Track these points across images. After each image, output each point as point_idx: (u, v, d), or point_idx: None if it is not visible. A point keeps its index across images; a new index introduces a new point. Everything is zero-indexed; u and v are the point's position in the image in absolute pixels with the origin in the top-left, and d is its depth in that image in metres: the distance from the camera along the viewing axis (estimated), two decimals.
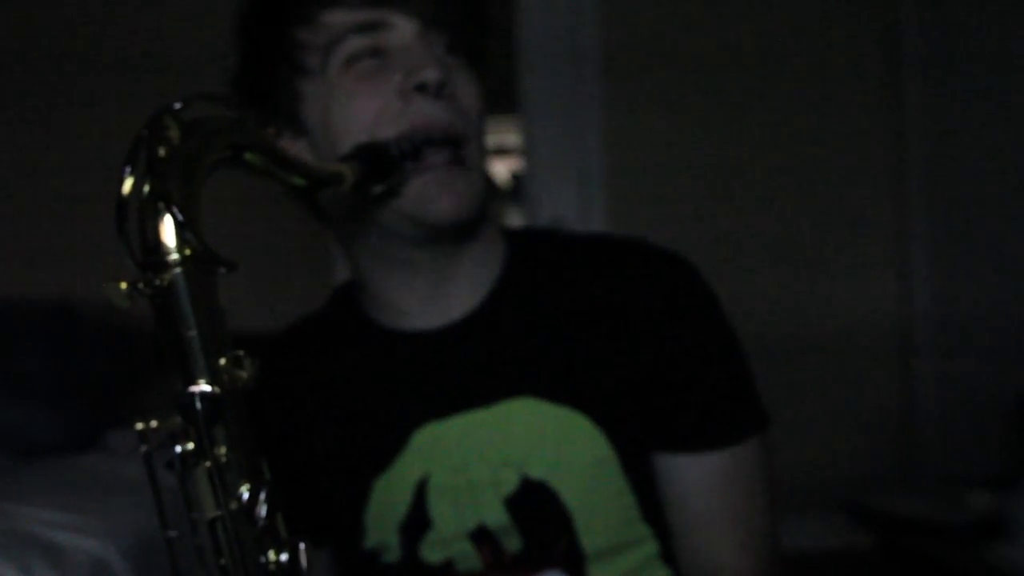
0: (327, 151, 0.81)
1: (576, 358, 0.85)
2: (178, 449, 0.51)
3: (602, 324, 0.86)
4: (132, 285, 0.50)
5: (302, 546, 0.55)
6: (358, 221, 0.85)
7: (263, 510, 0.53)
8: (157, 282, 0.51)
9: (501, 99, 2.44)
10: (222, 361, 0.52)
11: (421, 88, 0.78)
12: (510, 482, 0.84)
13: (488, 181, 0.87)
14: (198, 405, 0.51)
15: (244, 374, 0.52)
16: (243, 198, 1.91)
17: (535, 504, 0.84)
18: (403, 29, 0.80)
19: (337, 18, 0.80)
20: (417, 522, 0.85)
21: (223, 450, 0.52)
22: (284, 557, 0.54)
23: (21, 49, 2.95)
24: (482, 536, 0.85)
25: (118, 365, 2.24)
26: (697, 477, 0.86)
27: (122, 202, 0.52)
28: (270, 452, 0.56)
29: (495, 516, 0.84)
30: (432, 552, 0.85)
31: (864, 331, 3.18)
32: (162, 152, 0.52)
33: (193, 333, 0.51)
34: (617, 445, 0.85)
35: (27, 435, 1.90)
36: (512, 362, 0.86)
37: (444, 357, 0.87)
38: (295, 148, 0.82)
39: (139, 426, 0.51)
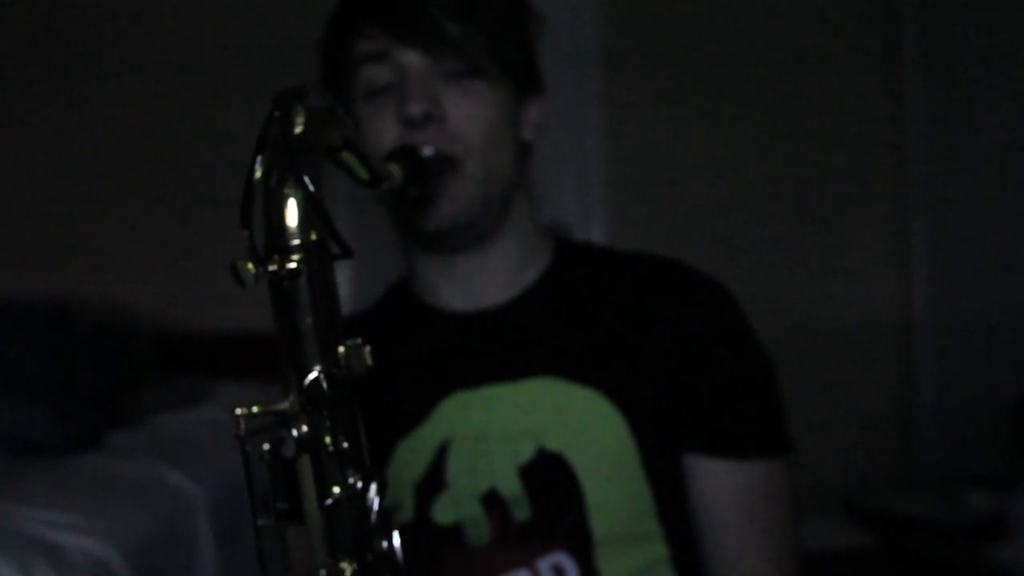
0: None
1: (606, 348, 0.90)
2: (295, 433, 0.52)
3: (638, 329, 0.90)
4: (262, 267, 0.51)
5: (396, 535, 0.55)
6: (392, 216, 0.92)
7: (376, 499, 0.54)
8: (293, 265, 0.51)
9: None
10: (341, 349, 0.53)
11: (408, 122, 0.83)
12: (526, 451, 0.87)
13: (503, 189, 0.90)
14: (325, 389, 0.52)
15: (362, 362, 0.53)
16: None
17: (548, 474, 0.86)
18: (404, 60, 0.85)
19: (357, 47, 0.86)
20: (433, 482, 0.89)
21: (340, 437, 0.53)
22: (385, 545, 0.55)
23: (21, 50, 2.96)
24: (492, 501, 0.87)
25: (118, 365, 2.24)
26: (718, 485, 0.88)
27: (251, 187, 0.52)
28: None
29: (508, 483, 0.87)
30: (443, 513, 0.88)
31: (864, 331, 3.18)
32: (293, 134, 0.52)
33: (310, 320, 0.52)
34: (638, 434, 0.87)
35: (27, 435, 1.90)
36: (542, 345, 0.91)
37: (477, 335, 0.92)
38: None
39: (238, 411, 0.51)
